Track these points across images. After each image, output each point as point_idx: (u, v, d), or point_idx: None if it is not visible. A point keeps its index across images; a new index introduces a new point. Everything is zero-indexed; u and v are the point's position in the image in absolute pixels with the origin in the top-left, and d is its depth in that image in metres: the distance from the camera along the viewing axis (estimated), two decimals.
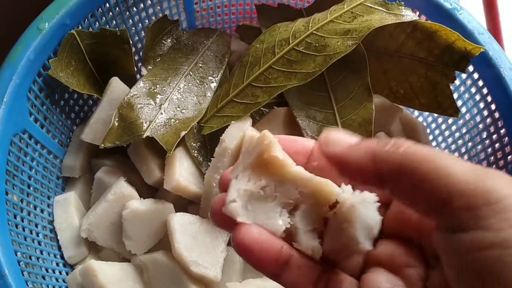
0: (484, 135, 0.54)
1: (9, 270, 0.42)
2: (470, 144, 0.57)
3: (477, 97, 0.55)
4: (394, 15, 0.51)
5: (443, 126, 0.61)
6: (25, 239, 0.48)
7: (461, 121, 0.58)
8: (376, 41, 0.55)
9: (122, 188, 0.52)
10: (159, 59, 0.59)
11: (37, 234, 0.51)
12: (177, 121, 0.54)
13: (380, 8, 0.51)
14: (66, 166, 0.57)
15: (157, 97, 0.55)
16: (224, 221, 0.27)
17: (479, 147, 0.55)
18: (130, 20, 0.60)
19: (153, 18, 0.62)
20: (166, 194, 0.53)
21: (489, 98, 0.53)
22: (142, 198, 0.52)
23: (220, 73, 0.60)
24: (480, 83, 0.54)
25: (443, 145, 0.62)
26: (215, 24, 0.67)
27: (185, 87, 0.57)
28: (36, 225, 0.51)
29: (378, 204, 0.26)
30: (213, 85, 0.59)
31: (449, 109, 0.54)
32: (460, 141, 0.59)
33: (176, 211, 0.51)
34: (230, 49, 0.63)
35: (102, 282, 0.47)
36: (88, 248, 0.53)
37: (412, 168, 0.22)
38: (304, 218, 0.28)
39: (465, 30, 0.52)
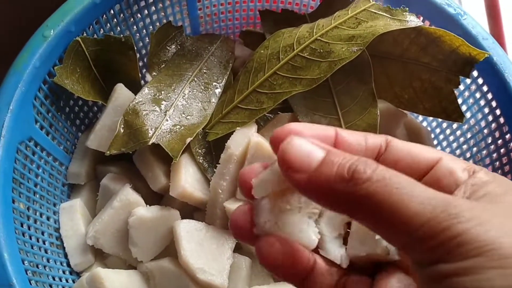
0: (489, 140, 0.54)
1: (17, 279, 0.42)
2: (475, 149, 0.57)
3: (482, 102, 0.55)
4: (399, 21, 0.51)
5: (448, 131, 0.61)
6: (32, 247, 0.48)
7: (465, 126, 0.58)
8: (380, 46, 0.55)
9: (128, 195, 0.52)
10: (163, 65, 0.59)
11: (44, 242, 0.51)
12: (183, 128, 0.54)
13: (384, 14, 0.52)
14: (72, 173, 0.57)
15: (162, 104, 0.55)
16: (245, 235, 0.27)
17: (484, 152, 0.55)
18: (135, 27, 0.60)
19: (157, 24, 0.62)
20: (171, 201, 0.53)
21: (494, 103, 0.53)
22: (148, 205, 0.52)
23: (224, 79, 0.60)
24: (485, 88, 0.54)
25: (447, 150, 0.62)
26: (219, 30, 0.68)
27: (190, 93, 0.57)
28: (43, 233, 0.51)
29: None
30: (218, 91, 0.59)
31: (454, 114, 0.54)
32: (465, 146, 0.59)
33: (182, 217, 0.51)
34: (234, 54, 0.63)
35: None
36: (94, 255, 0.53)
37: (372, 208, 0.22)
38: (329, 224, 0.28)
39: (469, 35, 0.52)
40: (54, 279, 0.49)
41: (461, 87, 0.54)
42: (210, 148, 0.55)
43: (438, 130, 0.63)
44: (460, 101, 0.55)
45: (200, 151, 0.55)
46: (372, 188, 0.22)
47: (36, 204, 0.51)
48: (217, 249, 0.50)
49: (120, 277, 0.49)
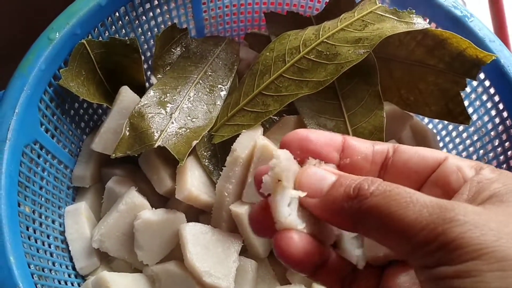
0: (496, 142, 0.54)
1: (23, 283, 0.42)
2: (481, 151, 0.57)
3: (489, 105, 0.55)
4: (405, 23, 0.51)
5: (454, 134, 0.61)
6: (38, 251, 0.48)
7: (472, 129, 0.58)
8: (386, 48, 0.55)
9: (133, 198, 0.51)
10: (168, 68, 0.59)
11: (49, 246, 0.50)
12: (188, 130, 0.54)
13: (391, 16, 0.51)
14: (77, 176, 0.57)
15: (168, 106, 0.55)
16: (264, 229, 0.28)
17: (491, 154, 0.55)
18: (140, 29, 0.60)
19: (162, 26, 0.62)
20: (177, 204, 0.53)
21: (500, 106, 0.53)
22: (153, 208, 0.52)
23: (229, 81, 0.60)
24: (492, 90, 0.54)
25: (453, 152, 0.62)
26: (223, 32, 0.67)
27: (195, 95, 0.57)
28: (48, 236, 0.51)
29: None
30: (223, 93, 0.58)
31: (460, 116, 0.54)
32: (471, 149, 0.58)
33: (188, 220, 0.51)
34: (239, 57, 0.63)
35: None
36: (99, 258, 0.53)
37: (374, 221, 0.24)
38: None
39: (476, 37, 0.52)
40: (60, 282, 0.49)
41: (468, 89, 0.54)
42: (215, 150, 0.55)
43: (444, 133, 0.63)
44: (466, 103, 0.55)
45: (205, 153, 0.54)
46: (373, 202, 0.24)
47: (41, 207, 0.51)
48: (223, 252, 0.50)
49: (126, 281, 0.49)
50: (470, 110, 0.56)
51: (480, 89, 0.55)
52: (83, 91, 0.54)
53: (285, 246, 0.26)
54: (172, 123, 0.53)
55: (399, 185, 0.24)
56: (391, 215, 0.23)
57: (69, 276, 0.51)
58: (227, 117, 0.55)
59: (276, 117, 0.57)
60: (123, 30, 0.58)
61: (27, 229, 0.47)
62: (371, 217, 0.24)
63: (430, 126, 0.64)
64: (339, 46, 0.51)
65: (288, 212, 0.26)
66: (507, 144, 0.53)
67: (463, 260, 0.21)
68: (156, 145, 0.51)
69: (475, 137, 0.58)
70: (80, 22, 0.52)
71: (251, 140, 0.51)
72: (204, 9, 0.63)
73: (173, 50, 0.61)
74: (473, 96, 0.57)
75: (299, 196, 0.27)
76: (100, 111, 0.62)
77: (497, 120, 0.54)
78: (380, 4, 0.52)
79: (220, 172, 0.51)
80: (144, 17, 0.59)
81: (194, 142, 0.52)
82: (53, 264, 0.50)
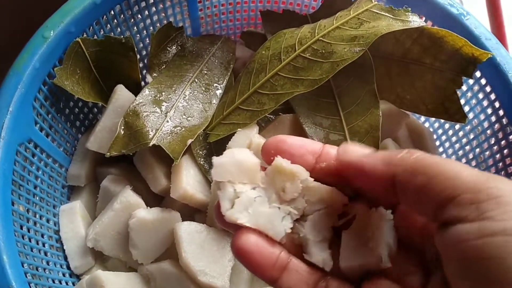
0: (492, 141, 0.54)
1: (16, 282, 0.41)
2: (477, 150, 0.57)
3: (485, 103, 0.55)
4: (401, 21, 0.51)
5: (450, 132, 0.61)
6: (32, 250, 0.47)
7: (468, 127, 0.58)
8: (382, 46, 0.55)
9: (128, 197, 0.51)
10: (164, 66, 0.59)
11: (43, 245, 0.50)
12: (183, 129, 0.54)
13: (386, 14, 0.51)
14: (72, 175, 0.57)
15: (163, 105, 0.54)
16: (228, 223, 0.28)
17: (487, 153, 0.55)
18: (135, 27, 0.60)
19: (158, 25, 0.61)
20: (172, 203, 0.53)
21: (497, 104, 0.53)
22: (148, 207, 0.51)
23: (225, 80, 0.59)
24: (488, 88, 0.53)
25: (450, 151, 0.61)
26: (219, 31, 0.67)
27: (191, 94, 0.57)
28: (42, 235, 0.51)
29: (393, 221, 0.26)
30: (219, 92, 0.58)
31: (456, 114, 0.54)
32: (467, 147, 0.58)
33: (183, 219, 0.51)
34: (235, 55, 0.62)
35: None
36: (94, 257, 0.53)
37: (424, 170, 0.24)
38: (314, 229, 0.28)
39: (472, 35, 0.52)
40: (54, 281, 0.49)
41: (464, 87, 0.54)
42: (211, 149, 0.55)
43: (440, 131, 0.63)
44: (462, 101, 0.54)
45: (201, 152, 0.54)
46: (424, 155, 0.25)
47: (35, 206, 0.51)
48: (218, 251, 0.49)
49: (121, 280, 0.49)
50: (466, 108, 0.56)
51: (476, 87, 0.55)
52: (78, 90, 0.54)
53: (240, 245, 0.27)
54: (167, 121, 0.53)
55: None
56: (442, 165, 0.24)
57: (63, 275, 0.51)
58: (222, 116, 0.55)
59: (272, 116, 0.57)
60: (119, 29, 0.58)
61: (21, 228, 0.47)
62: (420, 164, 0.24)
63: (427, 124, 0.64)
64: (335, 44, 0.51)
65: (227, 206, 0.27)
66: (503, 142, 0.52)
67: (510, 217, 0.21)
68: (151, 144, 0.50)
69: (471, 136, 0.57)
70: (75, 21, 0.52)
71: (246, 139, 0.51)
72: (200, 7, 0.63)
73: (169, 49, 0.60)
74: (469, 94, 0.57)
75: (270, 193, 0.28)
76: (96, 110, 0.61)
77: (493, 118, 0.54)
78: (375, 2, 0.52)
79: None
80: (139, 16, 0.59)
81: (189, 141, 0.52)
82: (47, 263, 0.50)
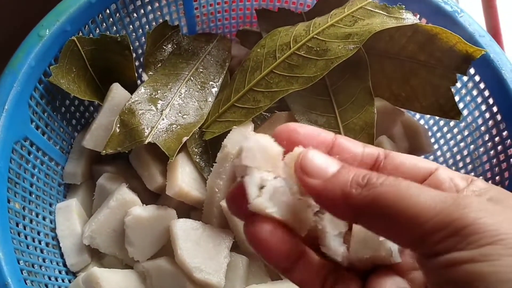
0: (486, 137, 0.54)
1: (12, 279, 0.42)
2: (472, 146, 0.57)
3: (479, 100, 0.55)
4: (395, 18, 0.51)
5: (445, 129, 0.61)
6: (28, 247, 0.48)
7: (462, 124, 0.58)
8: (377, 44, 0.55)
9: (124, 194, 0.51)
10: (160, 65, 0.59)
11: (40, 242, 0.50)
12: (179, 127, 0.54)
13: (381, 11, 0.51)
14: (68, 173, 0.57)
15: (159, 103, 0.55)
16: (239, 210, 0.28)
17: (481, 149, 0.55)
18: (131, 26, 0.60)
19: (154, 23, 0.61)
20: (168, 200, 0.53)
21: (490, 101, 0.53)
22: (144, 204, 0.52)
23: (221, 78, 0.60)
24: (482, 85, 0.54)
25: (445, 147, 0.62)
26: (215, 29, 0.67)
27: (186, 92, 0.57)
28: (38, 233, 0.51)
29: None
30: (214, 90, 0.58)
31: (451, 111, 0.54)
32: (462, 144, 0.58)
33: (179, 217, 0.51)
34: (231, 53, 0.63)
35: None
36: (90, 255, 0.53)
37: (382, 212, 0.23)
38: (331, 222, 0.28)
39: (466, 32, 0.52)
40: (50, 279, 0.49)
41: (458, 84, 0.54)
42: (206, 147, 0.55)
43: (435, 128, 0.63)
44: (457, 98, 0.55)
45: (196, 150, 0.54)
46: (383, 190, 0.23)
47: (32, 204, 0.51)
48: (214, 248, 0.50)
49: (117, 277, 0.49)
50: (460, 105, 0.57)
51: (470, 84, 0.56)
52: (74, 88, 0.54)
53: (255, 233, 0.26)
54: (163, 119, 0.54)
55: (406, 179, 0.24)
56: (402, 201, 0.23)
57: (59, 272, 0.51)
58: (218, 114, 0.55)
59: (267, 114, 0.57)
60: (114, 27, 0.58)
61: (17, 225, 0.47)
62: (379, 205, 0.23)
63: (422, 121, 0.64)
64: (329, 42, 0.51)
65: (256, 194, 0.26)
66: (497, 138, 0.53)
67: (480, 244, 0.21)
68: (146, 141, 0.51)
69: (466, 132, 0.58)
70: (70, 19, 0.52)
71: (241, 136, 0.51)
72: (196, 6, 0.63)
73: (165, 47, 0.61)
74: (463, 91, 0.57)
75: (290, 184, 0.27)
76: (92, 108, 0.62)
77: (487, 115, 0.54)
78: (370, 0, 0.52)
79: (211, 169, 0.51)
80: (135, 14, 0.59)
81: (185, 139, 0.52)
82: (44, 260, 0.50)
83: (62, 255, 0.53)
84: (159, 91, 0.56)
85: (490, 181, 0.54)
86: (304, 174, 0.26)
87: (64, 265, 0.52)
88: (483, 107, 0.54)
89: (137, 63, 0.63)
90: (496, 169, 0.53)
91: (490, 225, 0.21)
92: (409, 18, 0.51)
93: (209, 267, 0.48)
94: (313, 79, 0.51)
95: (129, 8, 0.58)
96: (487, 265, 0.20)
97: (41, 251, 0.50)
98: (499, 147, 0.52)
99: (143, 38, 0.62)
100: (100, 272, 0.48)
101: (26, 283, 0.44)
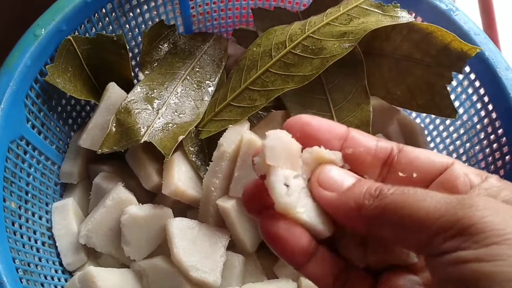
0: (482, 135, 0.54)
1: (7, 277, 0.42)
2: (468, 145, 0.57)
3: (474, 98, 0.55)
4: (390, 17, 0.51)
5: (441, 127, 0.61)
6: (24, 246, 0.48)
7: (458, 122, 0.58)
8: (373, 43, 0.55)
9: (120, 193, 0.51)
10: (156, 64, 0.59)
11: (36, 241, 0.50)
12: (175, 126, 0.54)
13: (376, 10, 0.52)
14: (64, 172, 0.57)
15: (155, 102, 0.55)
16: (255, 208, 0.28)
17: (477, 147, 0.55)
18: (127, 25, 0.60)
19: (150, 23, 0.62)
20: (164, 199, 0.53)
21: (486, 99, 0.53)
22: (140, 204, 0.52)
23: (217, 77, 0.60)
24: (477, 83, 0.54)
25: (441, 146, 0.62)
26: (211, 28, 0.67)
27: (183, 91, 0.57)
28: (35, 232, 0.51)
29: None
30: (211, 89, 0.58)
31: (447, 110, 0.54)
32: (458, 142, 0.59)
33: (175, 216, 0.51)
34: (227, 53, 0.63)
35: None
36: (87, 254, 0.53)
37: (391, 217, 0.24)
38: None
39: (461, 31, 0.52)
40: (46, 278, 0.49)
41: (454, 83, 0.54)
42: (203, 146, 0.55)
43: (431, 127, 0.63)
44: (452, 97, 0.55)
45: (192, 149, 0.54)
46: (391, 199, 0.24)
47: (28, 203, 0.51)
48: (210, 247, 0.50)
49: (113, 276, 0.49)
50: (456, 103, 0.57)
51: (465, 83, 0.56)
52: (70, 87, 0.54)
53: (271, 230, 0.26)
54: (159, 118, 0.54)
55: (414, 187, 0.25)
56: (409, 207, 0.23)
57: (56, 271, 0.51)
58: (214, 113, 0.55)
59: (263, 113, 0.57)
60: (110, 27, 0.58)
61: (13, 224, 0.47)
62: (388, 213, 0.24)
63: (418, 120, 0.64)
64: (325, 41, 0.51)
65: (284, 191, 0.26)
66: (492, 136, 0.53)
67: (486, 244, 0.21)
68: (142, 140, 0.51)
69: (462, 131, 0.58)
70: (66, 19, 0.52)
71: (237, 135, 0.51)
72: (192, 5, 0.63)
73: (161, 47, 0.61)
74: (459, 89, 0.57)
75: (306, 183, 0.27)
76: (88, 107, 0.62)
77: (482, 113, 0.54)
78: None
79: (207, 168, 0.52)
80: (131, 14, 0.59)
81: (181, 137, 0.52)
82: (40, 259, 0.50)
83: (58, 254, 0.53)
84: (155, 90, 0.56)
85: None
86: (320, 187, 0.27)
87: (61, 264, 0.52)
88: (479, 105, 0.54)
89: (133, 63, 0.63)
90: (492, 167, 0.53)
91: (497, 224, 0.21)
92: (404, 16, 0.51)
93: (205, 266, 0.48)
94: (308, 77, 0.51)
95: (125, 7, 0.58)
96: (493, 265, 0.20)
97: (37, 250, 0.50)
98: (494, 145, 0.52)
99: (139, 37, 0.63)
100: (96, 271, 0.48)
101: (22, 282, 0.44)
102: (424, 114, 0.63)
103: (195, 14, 0.64)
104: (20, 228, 0.48)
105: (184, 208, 0.54)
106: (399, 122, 0.61)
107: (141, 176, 0.54)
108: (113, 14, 0.57)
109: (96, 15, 0.55)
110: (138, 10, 0.60)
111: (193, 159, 0.54)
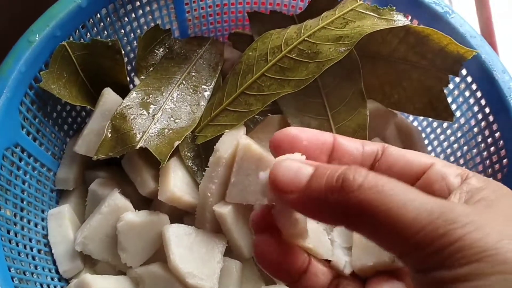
0: (479, 138, 0.54)
1: (3, 286, 0.41)
2: (465, 148, 0.57)
3: (471, 101, 0.55)
4: (386, 20, 0.51)
5: (438, 130, 0.61)
6: (19, 254, 0.47)
7: (456, 125, 0.58)
8: (369, 46, 0.55)
9: (116, 200, 0.51)
10: (151, 69, 0.59)
11: (31, 249, 0.50)
12: (171, 131, 0.53)
13: (371, 13, 0.51)
14: (60, 179, 0.56)
15: (150, 107, 0.54)
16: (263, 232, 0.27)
17: (475, 150, 0.55)
18: (122, 30, 0.60)
19: (145, 27, 0.61)
20: (161, 205, 0.53)
21: (483, 102, 0.53)
22: (137, 210, 0.51)
23: (213, 82, 0.59)
24: (474, 86, 0.54)
25: (438, 149, 0.62)
26: (207, 33, 0.67)
27: (178, 96, 0.57)
28: (30, 240, 0.51)
29: None
30: (207, 93, 0.58)
31: (444, 113, 0.54)
32: (455, 145, 0.58)
33: (171, 222, 0.51)
34: (223, 57, 0.62)
35: None
36: (83, 261, 0.53)
37: (367, 217, 0.22)
38: (341, 235, 0.28)
39: (457, 33, 0.52)
40: (42, 286, 0.49)
41: (451, 85, 0.54)
42: (199, 151, 0.55)
43: (428, 130, 0.63)
44: (449, 100, 0.55)
45: (189, 154, 0.54)
46: (363, 196, 0.22)
47: (23, 210, 0.50)
48: (207, 253, 0.49)
49: (109, 283, 0.49)
50: (453, 106, 0.56)
51: (462, 86, 0.56)
52: (65, 94, 0.54)
53: (263, 254, 0.26)
54: (155, 124, 0.53)
55: (390, 178, 0.22)
56: (386, 212, 0.21)
57: (52, 279, 0.51)
58: (210, 118, 0.55)
59: (260, 117, 0.57)
60: (105, 32, 0.58)
61: (8, 232, 0.47)
62: (362, 213, 0.22)
63: (415, 123, 0.64)
64: (320, 45, 0.51)
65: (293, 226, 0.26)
66: (489, 140, 0.53)
67: (464, 263, 0.20)
68: (138, 146, 0.50)
69: (459, 134, 0.58)
70: (60, 24, 0.51)
71: (233, 140, 0.51)
72: (187, 9, 0.63)
73: (156, 51, 0.60)
74: (456, 92, 0.57)
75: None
76: (84, 113, 0.61)
77: (479, 116, 0.54)
78: (361, 2, 0.52)
79: (204, 173, 0.51)
80: (126, 19, 0.59)
81: (176, 143, 0.52)
82: (36, 267, 0.49)
83: (54, 262, 0.52)
84: (151, 96, 0.55)
85: None
86: (280, 191, 0.24)
87: (57, 272, 0.52)
88: (476, 108, 0.54)
89: (129, 68, 0.63)
90: (489, 170, 0.53)
91: (477, 241, 0.20)
92: (400, 19, 0.51)
93: (202, 272, 0.48)
94: (304, 81, 0.50)
95: (120, 12, 0.57)
96: (471, 285, 0.20)
97: (33, 258, 0.50)
98: (492, 148, 0.52)
99: (135, 42, 0.62)
100: (92, 279, 0.48)
101: None
102: (421, 117, 0.63)
103: (191, 18, 0.64)
104: (16, 236, 0.48)
105: (181, 214, 0.54)
106: (396, 126, 0.61)
107: (137, 182, 0.53)
108: (108, 19, 0.57)
109: (91, 20, 0.55)
110: (133, 15, 0.59)
111: (190, 164, 0.54)
